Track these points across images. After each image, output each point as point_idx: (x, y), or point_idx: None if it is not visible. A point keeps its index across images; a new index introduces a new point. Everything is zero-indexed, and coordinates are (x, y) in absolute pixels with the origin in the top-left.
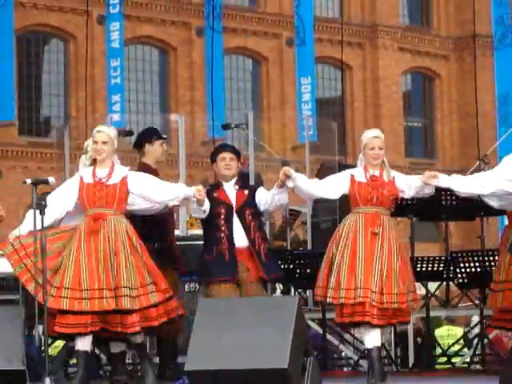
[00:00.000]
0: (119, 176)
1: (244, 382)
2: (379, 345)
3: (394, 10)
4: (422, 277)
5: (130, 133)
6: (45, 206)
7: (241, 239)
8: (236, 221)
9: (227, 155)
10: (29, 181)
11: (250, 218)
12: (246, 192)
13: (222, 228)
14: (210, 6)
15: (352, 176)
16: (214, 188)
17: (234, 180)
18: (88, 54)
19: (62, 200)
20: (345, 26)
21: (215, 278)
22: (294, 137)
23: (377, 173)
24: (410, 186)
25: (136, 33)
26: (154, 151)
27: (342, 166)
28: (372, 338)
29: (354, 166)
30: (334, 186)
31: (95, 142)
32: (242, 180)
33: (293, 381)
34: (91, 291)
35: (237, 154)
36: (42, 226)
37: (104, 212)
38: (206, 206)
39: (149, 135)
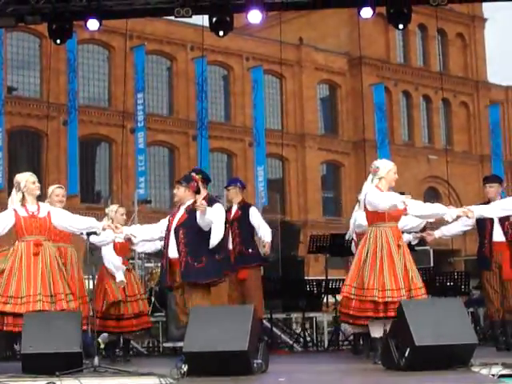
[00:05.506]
0: (45, 211)
1: (219, 359)
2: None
3: (314, 123)
4: (333, 291)
5: (149, 201)
6: (95, 249)
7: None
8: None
9: (231, 188)
10: (84, 232)
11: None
12: (240, 212)
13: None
14: (200, 121)
15: None
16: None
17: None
18: (124, 151)
19: None
20: (284, 134)
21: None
22: (254, 203)
23: None
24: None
25: (154, 138)
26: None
27: (283, 222)
28: (380, 329)
29: (292, 224)
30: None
31: (33, 183)
32: (244, 203)
33: (250, 357)
34: (27, 297)
35: (236, 186)
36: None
37: (39, 239)
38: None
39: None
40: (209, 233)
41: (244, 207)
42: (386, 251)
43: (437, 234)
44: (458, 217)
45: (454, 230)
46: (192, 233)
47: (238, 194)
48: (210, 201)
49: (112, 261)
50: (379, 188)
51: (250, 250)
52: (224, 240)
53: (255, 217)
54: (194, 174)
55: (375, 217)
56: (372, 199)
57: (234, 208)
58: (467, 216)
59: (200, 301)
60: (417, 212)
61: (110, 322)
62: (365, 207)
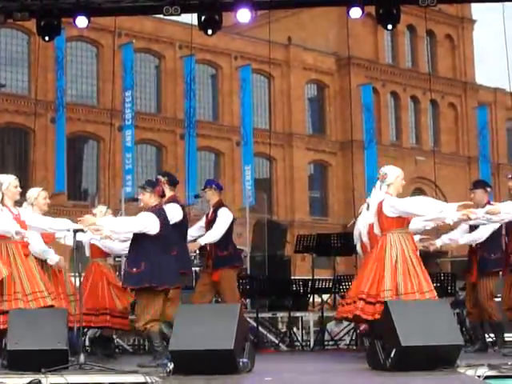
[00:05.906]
0: (24, 215)
1: (205, 358)
2: None
3: (302, 123)
4: (319, 290)
5: (136, 199)
6: (81, 247)
7: None
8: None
9: (207, 190)
10: (70, 231)
11: None
12: (214, 214)
13: None
14: (188, 120)
15: None
16: (207, 213)
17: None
18: (111, 149)
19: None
20: (272, 134)
21: None
22: (241, 202)
23: None
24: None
25: (142, 136)
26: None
27: (270, 221)
28: None
29: (279, 223)
30: None
31: (15, 187)
32: (218, 204)
33: (236, 356)
34: (34, 294)
35: (211, 187)
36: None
37: (24, 241)
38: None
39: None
40: (150, 237)
41: (217, 209)
42: (414, 255)
43: (438, 243)
44: (460, 220)
45: (454, 238)
46: (133, 239)
47: (215, 195)
48: (170, 201)
49: (121, 247)
50: (390, 194)
51: (225, 252)
52: (179, 236)
53: (219, 217)
54: (160, 177)
55: (394, 223)
56: (408, 207)
57: (210, 210)
58: (469, 218)
59: (147, 306)
60: (428, 216)
61: (118, 319)
62: (380, 213)
